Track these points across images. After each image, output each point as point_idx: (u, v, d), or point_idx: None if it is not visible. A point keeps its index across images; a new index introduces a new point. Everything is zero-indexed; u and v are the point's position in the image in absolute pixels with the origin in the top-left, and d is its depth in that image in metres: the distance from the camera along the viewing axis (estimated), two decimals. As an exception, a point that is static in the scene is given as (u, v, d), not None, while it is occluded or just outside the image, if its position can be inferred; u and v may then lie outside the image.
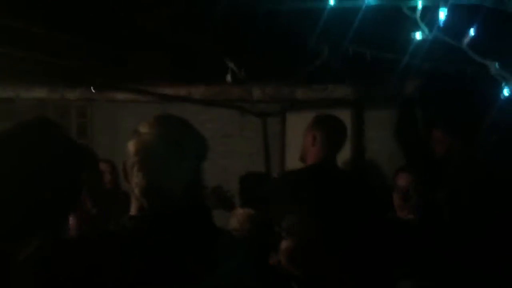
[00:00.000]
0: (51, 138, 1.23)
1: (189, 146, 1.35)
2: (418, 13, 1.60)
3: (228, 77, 2.93)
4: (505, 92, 1.82)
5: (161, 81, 4.56)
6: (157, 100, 4.68)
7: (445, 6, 1.54)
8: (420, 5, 1.58)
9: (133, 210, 1.38)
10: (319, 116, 2.71)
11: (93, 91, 4.22)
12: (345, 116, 4.41)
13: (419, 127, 3.91)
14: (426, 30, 1.57)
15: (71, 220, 1.90)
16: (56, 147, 1.22)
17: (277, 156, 5.13)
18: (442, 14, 1.55)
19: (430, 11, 1.64)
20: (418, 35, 1.61)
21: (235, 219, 2.41)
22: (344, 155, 3.69)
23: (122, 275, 1.23)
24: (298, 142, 4.86)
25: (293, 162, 4.84)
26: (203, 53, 3.12)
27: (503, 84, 1.79)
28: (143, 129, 1.36)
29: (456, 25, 1.61)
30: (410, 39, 1.65)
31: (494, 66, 1.69)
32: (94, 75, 4.21)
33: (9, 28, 2.62)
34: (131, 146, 1.34)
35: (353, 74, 3.15)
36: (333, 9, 1.68)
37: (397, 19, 1.70)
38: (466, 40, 1.58)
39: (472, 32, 1.58)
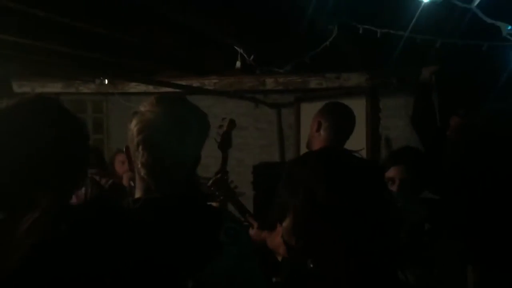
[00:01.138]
0: (51, 111, 1.24)
1: (192, 121, 1.33)
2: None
3: (238, 64, 2.89)
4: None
5: (172, 74, 4.57)
6: (171, 93, 4.68)
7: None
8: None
9: (138, 193, 1.36)
10: (327, 103, 2.65)
11: (106, 83, 4.22)
12: (360, 104, 4.35)
13: (436, 113, 3.82)
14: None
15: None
16: (56, 119, 1.23)
17: (292, 147, 5.09)
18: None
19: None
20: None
21: None
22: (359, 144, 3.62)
23: (124, 255, 1.20)
24: (312, 132, 4.85)
25: (307, 152, 4.81)
26: (214, 44, 3.10)
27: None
28: (145, 108, 1.33)
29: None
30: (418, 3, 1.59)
31: (506, 28, 1.62)
32: (108, 68, 4.24)
33: (26, 17, 2.63)
34: (133, 126, 1.31)
35: (367, 59, 3.08)
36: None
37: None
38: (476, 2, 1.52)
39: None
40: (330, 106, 2.58)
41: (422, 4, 1.59)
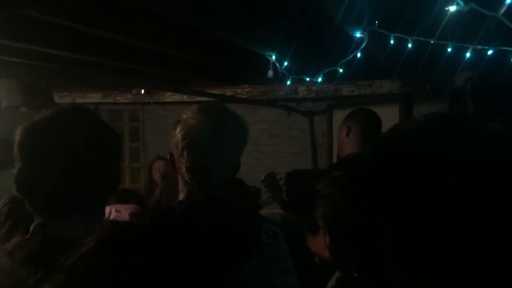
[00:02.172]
0: (84, 120, 1.27)
1: (233, 127, 1.39)
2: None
3: (270, 73, 2.94)
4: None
5: (206, 83, 4.66)
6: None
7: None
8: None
9: (181, 196, 1.42)
10: (354, 109, 2.68)
11: (142, 93, 4.35)
12: (393, 111, 4.33)
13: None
14: (461, 2, 1.52)
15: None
16: (89, 128, 1.26)
17: (324, 154, 5.09)
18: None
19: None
20: (452, 8, 1.56)
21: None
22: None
23: (170, 258, 1.26)
24: (345, 140, 4.83)
25: (340, 160, 4.80)
26: (247, 53, 3.16)
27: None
28: (187, 115, 1.40)
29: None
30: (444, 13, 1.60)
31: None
32: (144, 78, 4.36)
33: (63, 29, 2.74)
34: (178, 132, 1.38)
35: (399, 67, 3.08)
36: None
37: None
38: (502, 10, 1.52)
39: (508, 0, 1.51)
40: (358, 111, 2.61)
41: (449, 13, 1.60)
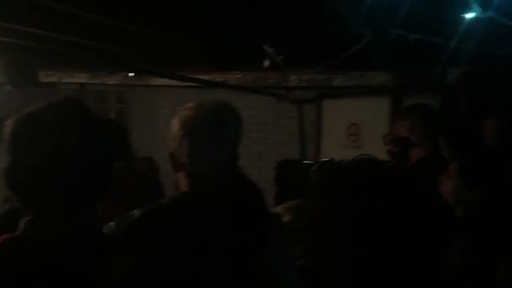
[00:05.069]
0: (78, 113, 1.22)
1: (227, 116, 1.44)
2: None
3: (266, 62, 2.90)
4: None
5: (197, 68, 4.58)
6: (194, 87, 4.70)
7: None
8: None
9: (183, 188, 1.44)
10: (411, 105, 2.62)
11: (131, 75, 4.27)
12: (383, 104, 4.33)
13: (464, 116, 3.77)
14: (479, 9, 1.50)
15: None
16: (84, 120, 1.22)
17: (312, 143, 5.08)
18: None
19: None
20: (469, 15, 1.54)
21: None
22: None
23: (173, 249, 1.27)
24: (334, 129, 4.83)
25: (329, 149, 4.79)
26: (241, 39, 3.10)
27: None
28: (184, 109, 1.44)
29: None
30: (460, 20, 1.58)
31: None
32: (133, 60, 4.27)
33: (53, 11, 2.66)
34: (175, 124, 1.41)
35: (395, 60, 3.06)
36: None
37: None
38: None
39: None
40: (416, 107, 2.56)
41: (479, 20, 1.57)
